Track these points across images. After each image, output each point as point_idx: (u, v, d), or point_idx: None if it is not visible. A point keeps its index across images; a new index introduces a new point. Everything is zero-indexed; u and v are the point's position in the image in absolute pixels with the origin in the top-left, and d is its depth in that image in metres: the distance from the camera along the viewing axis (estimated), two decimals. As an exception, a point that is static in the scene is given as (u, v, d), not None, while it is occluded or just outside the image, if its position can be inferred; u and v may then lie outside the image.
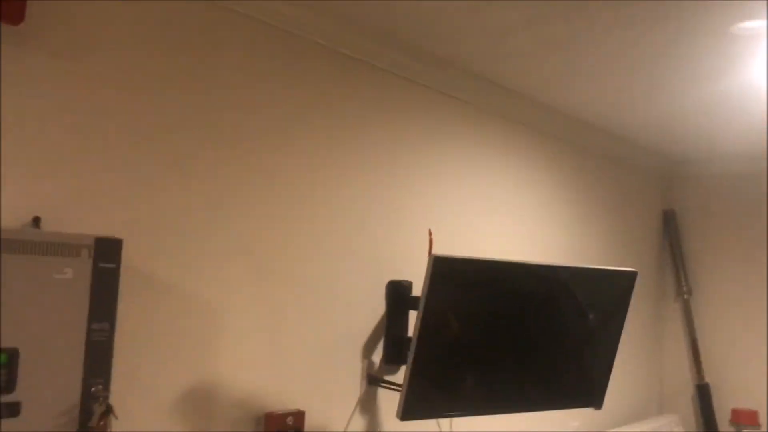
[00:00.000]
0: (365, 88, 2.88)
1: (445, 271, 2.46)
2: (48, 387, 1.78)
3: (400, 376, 2.96)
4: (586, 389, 3.06)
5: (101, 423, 1.84)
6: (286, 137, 2.57)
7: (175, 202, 2.22)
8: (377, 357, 2.90)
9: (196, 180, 2.28)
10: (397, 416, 2.45)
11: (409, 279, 3.03)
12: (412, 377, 2.45)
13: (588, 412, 4.18)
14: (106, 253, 1.88)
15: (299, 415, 2.54)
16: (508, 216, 3.63)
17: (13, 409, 1.74)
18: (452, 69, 3.15)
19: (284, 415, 2.50)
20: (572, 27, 2.62)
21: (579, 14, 2.48)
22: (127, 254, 2.07)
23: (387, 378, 2.93)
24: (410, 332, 2.91)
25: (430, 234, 3.15)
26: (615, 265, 4.23)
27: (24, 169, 1.89)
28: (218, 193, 2.34)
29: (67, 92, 1.97)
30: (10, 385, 1.74)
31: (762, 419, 4.55)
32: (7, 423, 1.73)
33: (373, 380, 2.88)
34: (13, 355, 1.74)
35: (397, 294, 2.93)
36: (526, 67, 3.12)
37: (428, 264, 2.41)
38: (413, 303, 2.93)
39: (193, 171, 2.27)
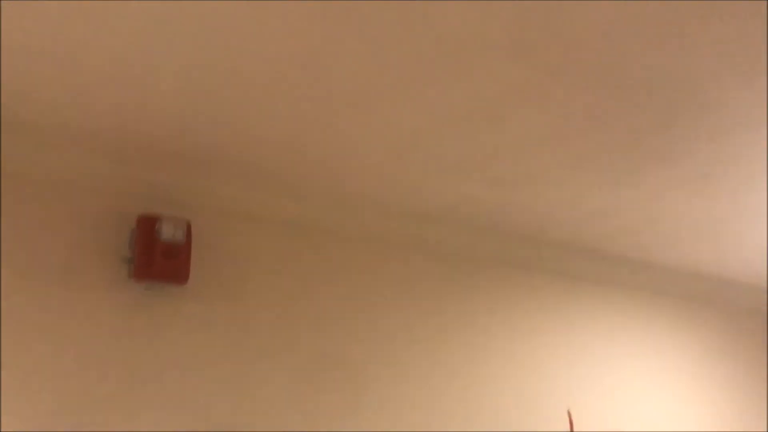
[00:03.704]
0: (512, 292, 3.06)
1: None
2: None
3: None
4: None
5: None
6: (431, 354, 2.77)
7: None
8: None
9: (376, 397, 2.51)
10: None
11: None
12: None
13: None
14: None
15: None
16: (655, 384, 3.57)
17: None
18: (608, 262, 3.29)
19: None
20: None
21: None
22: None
23: None
24: None
25: (570, 416, 3.16)
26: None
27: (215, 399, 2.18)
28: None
29: (224, 333, 2.28)
30: None
31: None
32: None
33: None
34: None
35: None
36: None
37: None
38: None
39: (368, 390, 2.51)
